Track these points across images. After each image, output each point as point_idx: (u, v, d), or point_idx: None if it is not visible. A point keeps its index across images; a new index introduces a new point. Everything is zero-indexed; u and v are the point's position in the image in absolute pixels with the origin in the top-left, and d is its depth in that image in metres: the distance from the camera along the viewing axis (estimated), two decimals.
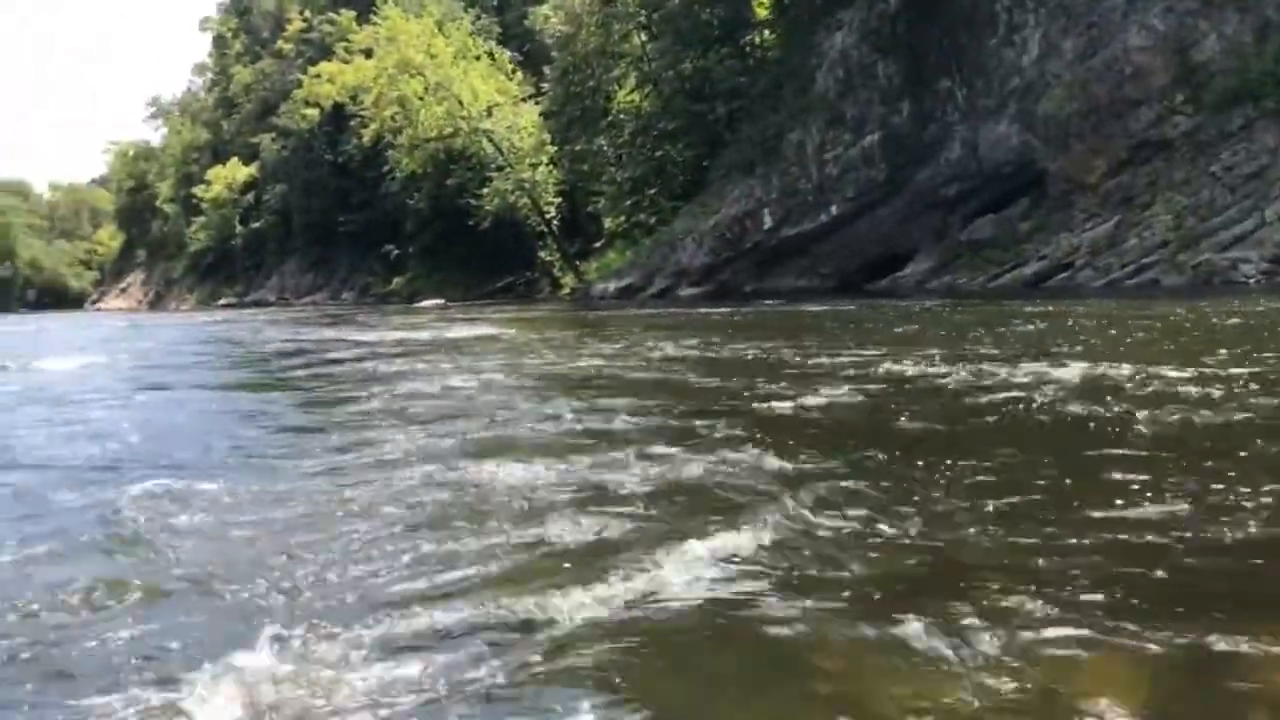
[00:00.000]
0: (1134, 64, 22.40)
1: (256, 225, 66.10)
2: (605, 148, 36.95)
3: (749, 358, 9.52)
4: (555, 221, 44.00)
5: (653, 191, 35.94)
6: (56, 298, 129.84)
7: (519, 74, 43.48)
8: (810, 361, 8.54)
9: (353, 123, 56.22)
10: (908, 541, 3.09)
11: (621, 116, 36.07)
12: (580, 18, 34.35)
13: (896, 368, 7.66)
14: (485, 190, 42.32)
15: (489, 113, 42.50)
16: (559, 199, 43.80)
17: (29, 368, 12.56)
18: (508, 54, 44.53)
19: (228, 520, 3.65)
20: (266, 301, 60.49)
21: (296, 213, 62.20)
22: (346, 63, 45.25)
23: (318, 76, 47.14)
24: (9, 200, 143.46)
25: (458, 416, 6.17)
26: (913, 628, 2.33)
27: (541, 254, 45.82)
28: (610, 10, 35.45)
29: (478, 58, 43.19)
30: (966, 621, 2.36)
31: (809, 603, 2.56)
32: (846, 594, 2.63)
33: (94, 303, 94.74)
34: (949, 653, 2.21)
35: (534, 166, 42.74)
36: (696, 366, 8.86)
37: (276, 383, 9.93)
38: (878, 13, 27.41)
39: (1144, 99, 22.17)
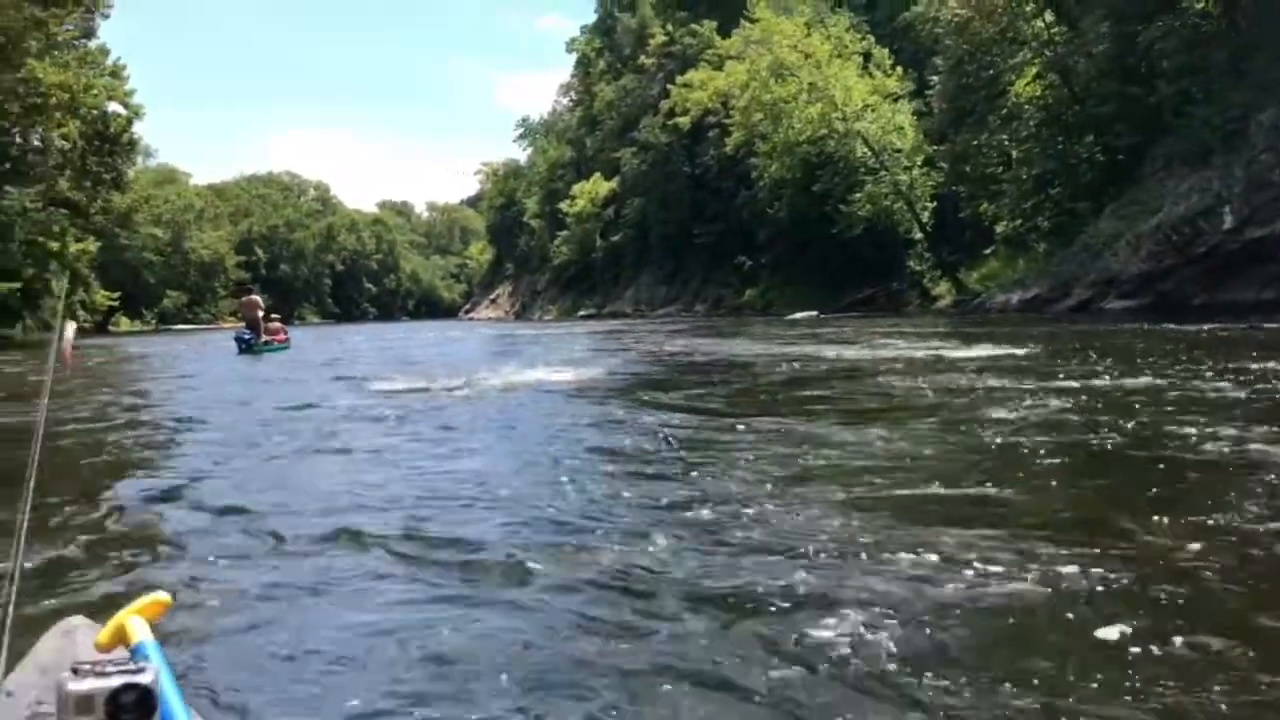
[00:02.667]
0: None
1: (615, 238, 67.57)
2: (1006, 142, 33.03)
3: None
4: (929, 227, 40.58)
5: (1055, 190, 31.67)
6: (431, 307, 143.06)
7: (898, 70, 40.47)
8: None
9: (711, 133, 55.95)
10: None
11: (1026, 107, 32.03)
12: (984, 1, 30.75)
13: None
14: (857, 195, 39.71)
15: (863, 113, 39.90)
16: (933, 203, 40.37)
17: (541, 384, 10.70)
18: (886, 50, 41.65)
19: None
20: (623, 313, 61.40)
21: (653, 225, 62.84)
22: (718, 69, 44.34)
23: (686, 86, 46.60)
24: (394, 220, 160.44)
25: None
26: None
27: (910, 263, 42.50)
28: None
29: (852, 56, 40.77)
30: None
31: None
32: None
33: (466, 313, 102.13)
34: None
35: (908, 169, 39.62)
36: None
37: (871, 408, 7.81)
38: None
39: None
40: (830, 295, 42.84)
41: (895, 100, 40.47)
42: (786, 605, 2.79)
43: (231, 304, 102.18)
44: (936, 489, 4.31)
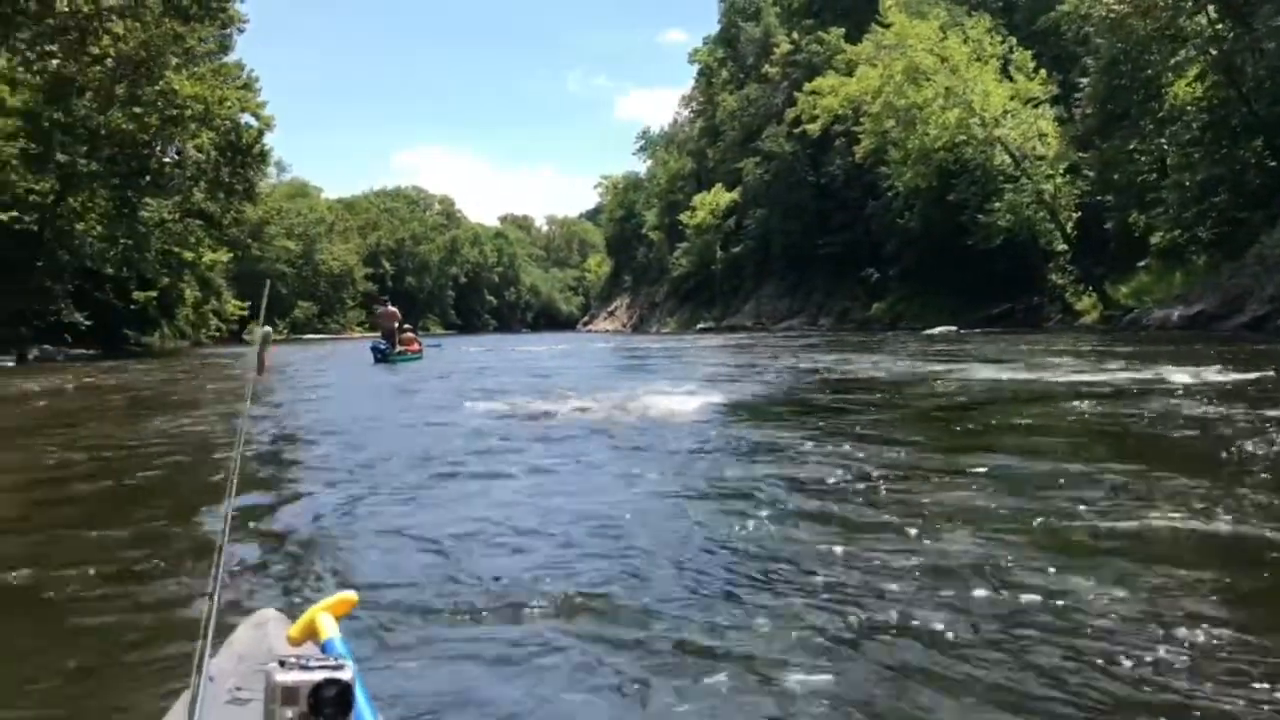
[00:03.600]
0: None
1: (736, 250, 66.57)
2: (1164, 146, 30.88)
3: None
4: (1074, 238, 38.36)
5: (1219, 199, 29.35)
6: (549, 319, 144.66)
7: (1042, 73, 38.45)
8: None
9: (838, 142, 54.48)
10: None
11: (1187, 109, 29.85)
12: None
13: None
14: (996, 205, 37.81)
15: (1002, 118, 38.03)
16: (1076, 213, 38.14)
17: (685, 407, 9.47)
18: (1029, 53, 39.66)
19: None
20: (743, 326, 60.28)
21: (775, 236, 61.68)
22: (849, 75, 43.02)
23: (814, 93, 45.37)
24: (515, 233, 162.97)
25: None
26: None
27: (1052, 276, 40.27)
28: None
29: (991, 60, 38.94)
30: None
31: None
32: None
33: (584, 325, 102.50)
34: None
35: (1050, 176, 37.54)
36: None
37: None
38: None
39: None
40: (962, 309, 40.90)
41: (1036, 105, 38.44)
42: None
43: (358, 315, 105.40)
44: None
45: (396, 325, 22.88)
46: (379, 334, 23.83)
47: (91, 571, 3.69)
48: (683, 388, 11.31)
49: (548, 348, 33.56)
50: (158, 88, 29.15)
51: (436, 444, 7.30)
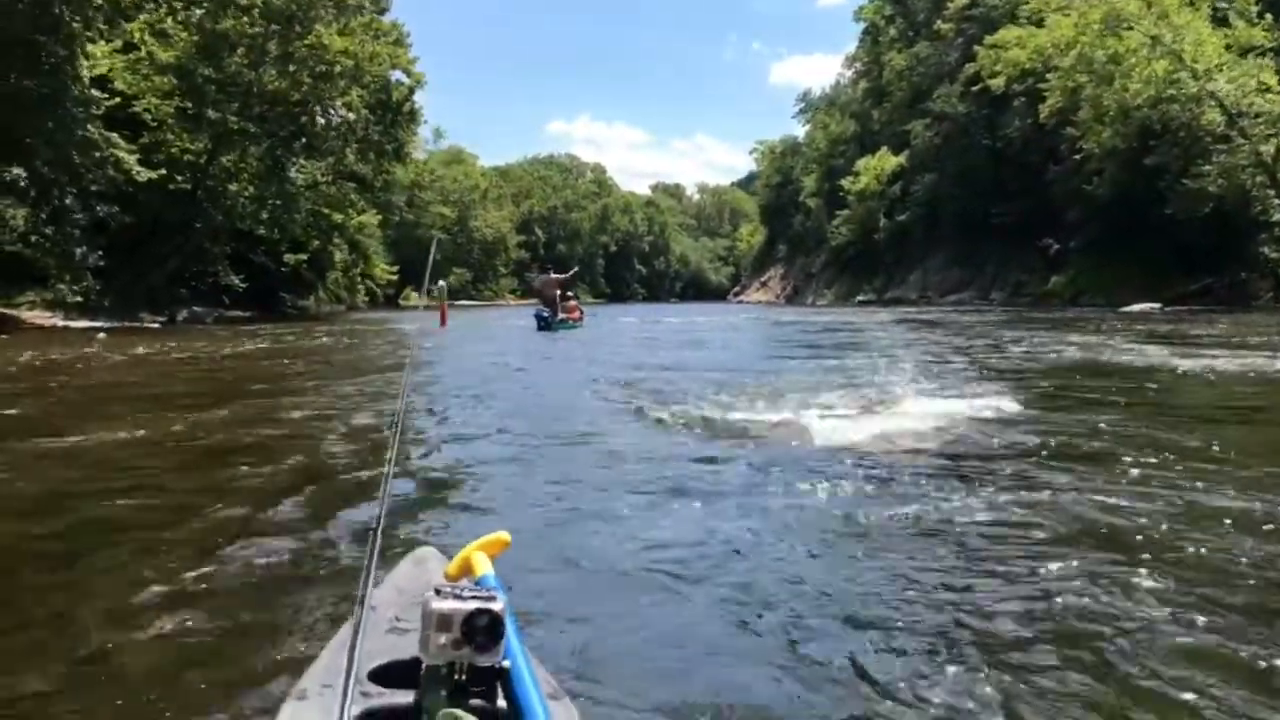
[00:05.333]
0: None
1: (901, 218, 63.18)
2: None
3: None
4: None
5: None
6: (698, 289, 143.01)
7: (1267, 18, 34.16)
8: None
9: (1017, 102, 50.61)
10: None
11: None
12: None
13: None
14: (1205, 168, 33.88)
15: (1216, 70, 33.98)
16: None
17: (914, 423, 7.55)
18: None
19: None
20: (907, 299, 57.20)
21: (945, 203, 58.15)
22: (1039, 24, 39.40)
23: (996, 46, 41.87)
24: (666, 201, 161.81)
25: None
26: None
27: (1265, 249, 35.99)
28: None
29: (1202, 4, 34.82)
30: None
31: None
32: None
33: (735, 295, 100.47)
34: None
35: (1271, 136, 33.37)
36: None
37: None
38: None
39: None
40: (1153, 285, 37.04)
41: (1260, 55, 34.17)
42: None
43: (510, 282, 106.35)
44: None
45: (559, 293, 22.99)
46: (540, 301, 24.07)
47: (265, 514, 4.02)
48: (914, 381, 8.94)
49: (706, 319, 31.97)
50: (307, 42, 28.65)
51: (599, 417, 7.01)
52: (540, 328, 22.01)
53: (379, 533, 1.43)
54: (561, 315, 22.70)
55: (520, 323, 24.93)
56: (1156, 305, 30.41)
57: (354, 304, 47.73)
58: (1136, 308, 29.94)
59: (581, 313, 24.76)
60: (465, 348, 16.90)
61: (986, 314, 30.93)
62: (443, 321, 23.09)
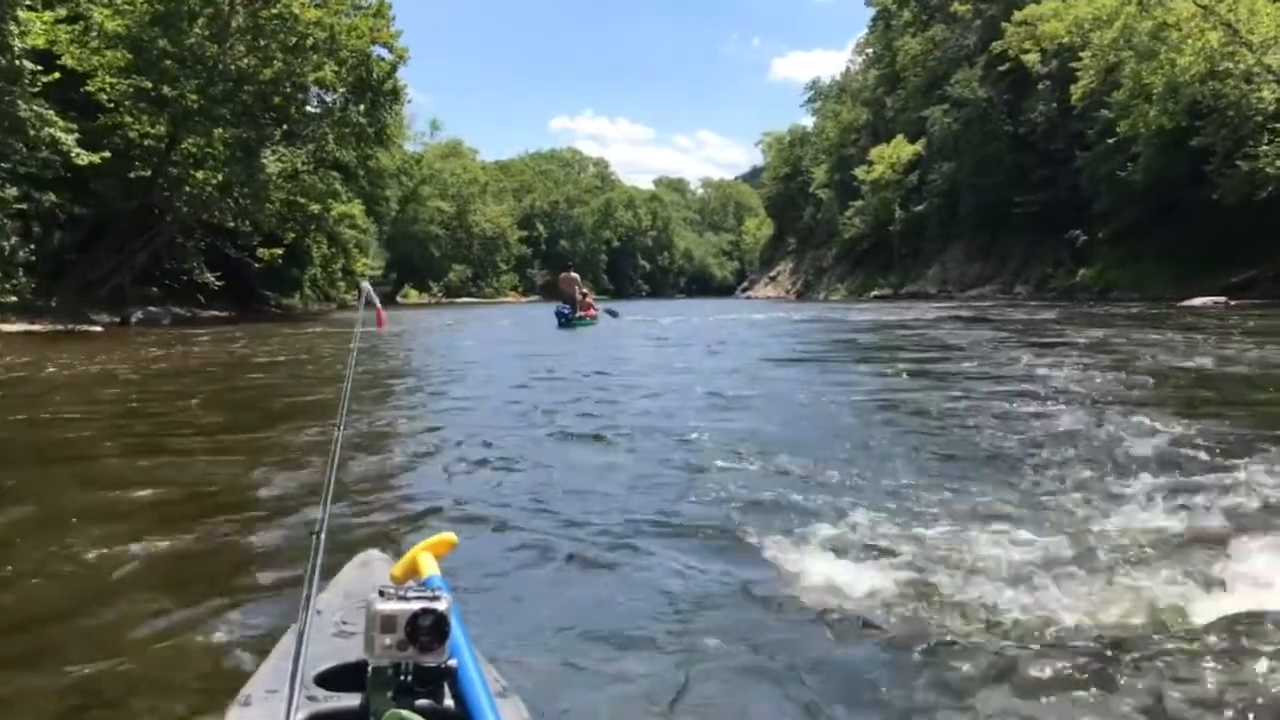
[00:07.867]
0: None
1: (918, 209, 60.21)
2: None
3: None
4: None
5: None
6: (702, 285, 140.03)
7: None
8: None
9: (1041, 86, 47.81)
10: None
11: None
12: None
13: None
14: (1263, 148, 31.02)
15: (1273, 43, 31.17)
16: None
17: None
18: None
19: None
20: (925, 293, 54.26)
21: (964, 193, 55.31)
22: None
23: (1026, 23, 38.99)
24: (670, 196, 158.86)
25: None
26: None
27: None
28: None
29: None
30: None
31: None
32: None
33: (744, 291, 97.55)
34: None
35: None
36: None
37: None
38: None
39: None
40: (1191, 276, 34.33)
41: None
42: None
43: (512, 279, 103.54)
44: None
45: (577, 291, 23.75)
46: (560, 300, 24.67)
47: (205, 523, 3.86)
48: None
49: (716, 319, 29.08)
50: (275, 11, 25.76)
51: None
52: (560, 325, 22.74)
53: (322, 537, 1.42)
54: (579, 313, 23.48)
55: (505, 323, 25.09)
56: (1221, 299, 27.47)
57: (344, 302, 44.98)
58: (1198, 302, 27.02)
59: (596, 311, 25.40)
60: (485, 345, 17.04)
61: (1035, 310, 28.00)
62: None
